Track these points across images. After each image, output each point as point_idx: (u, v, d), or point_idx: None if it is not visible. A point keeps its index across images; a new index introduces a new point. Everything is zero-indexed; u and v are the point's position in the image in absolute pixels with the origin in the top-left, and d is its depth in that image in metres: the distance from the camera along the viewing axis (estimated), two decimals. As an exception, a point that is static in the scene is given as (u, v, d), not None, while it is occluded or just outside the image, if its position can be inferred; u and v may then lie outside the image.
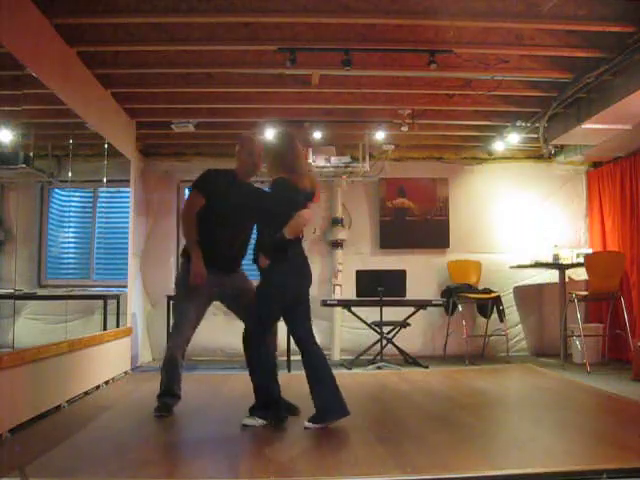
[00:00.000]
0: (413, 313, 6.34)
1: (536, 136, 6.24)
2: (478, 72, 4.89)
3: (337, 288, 6.94)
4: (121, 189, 5.98)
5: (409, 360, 6.26)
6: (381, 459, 2.81)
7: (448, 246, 7.18)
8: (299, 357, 3.66)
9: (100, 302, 5.51)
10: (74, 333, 4.35)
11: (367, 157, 6.69)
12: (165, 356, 3.94)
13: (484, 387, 4.98)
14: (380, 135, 6.36)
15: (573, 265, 6.30)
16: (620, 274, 6.03)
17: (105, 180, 5.30)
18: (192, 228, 3.82)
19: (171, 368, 3.89)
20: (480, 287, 6.82)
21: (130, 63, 4.79)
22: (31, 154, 4.60)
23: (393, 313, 6.26)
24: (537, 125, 5.99)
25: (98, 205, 5.85)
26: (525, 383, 5.32)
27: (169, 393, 3.90)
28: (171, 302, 5.97)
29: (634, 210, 6.21)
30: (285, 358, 5.92)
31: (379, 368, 5.90)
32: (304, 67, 4.71)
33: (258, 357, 3.52)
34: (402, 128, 6.02)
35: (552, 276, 6.82)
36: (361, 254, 7.17)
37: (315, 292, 6.86)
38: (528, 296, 7.18)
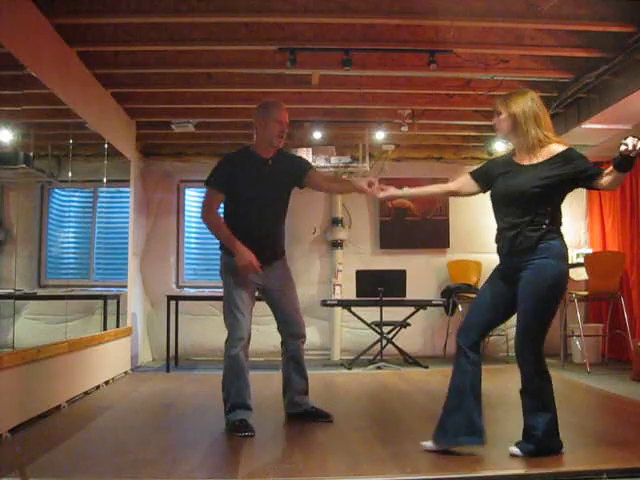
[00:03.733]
0: (413, 313, 6.34)
1: (536, 136, 6.23)
2: (478, 72, 4.88)
3: (337, 288, 6.94)
4: (121, 189, 5.98)
5: (409, 360, 6.26)
6: (381, 459, 2.81)
7: (448, 246, 7.17)
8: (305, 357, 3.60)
9: (100, 302, 5.51)
10: (74, 333, 4.35)
11: (367, 157, 6.68)
12: (225, 361, 3.33)
13: (484, 387, 4.94)
14: (380, 135, 6.36)
15: (573, 265, 6.29)
16: (620, 274, 6.02)
17: (105, 180, 5.30)
18: (219, 225, 3.36)
19: (236, 373, 3.30)
20: (480, 287, 6.81)
21: (130, 63, 4.78)
22: (31, 154, 4.59)
23: (393, 313, 6.25)
24: (537, 125, 5.98)
25: (98, 205, 5.85)
26: (525, 383, 5.30)
27: (242, 406, 3.31)
28: (170, 302, 6.00)
29: (634, 210, 6.21)
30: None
31: (379, 368, 5.90)
32: (304, 67, 4.70)
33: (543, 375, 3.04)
34: (402, 128, 6.01)
35: (552, 276, 6.81)
36: (361, 254, 7.16)
37: (315, 292, 6.88)
38: (528, 296, 7.15)
